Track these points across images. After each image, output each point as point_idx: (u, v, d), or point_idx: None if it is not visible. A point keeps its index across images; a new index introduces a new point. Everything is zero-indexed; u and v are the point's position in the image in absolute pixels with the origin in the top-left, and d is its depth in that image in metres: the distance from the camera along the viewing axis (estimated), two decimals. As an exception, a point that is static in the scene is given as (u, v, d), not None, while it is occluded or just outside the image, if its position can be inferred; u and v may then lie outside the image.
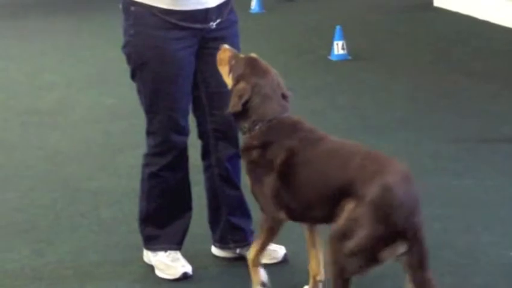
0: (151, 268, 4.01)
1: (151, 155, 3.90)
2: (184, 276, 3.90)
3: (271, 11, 11.64)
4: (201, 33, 3.77)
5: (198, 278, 3.93)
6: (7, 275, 4.07)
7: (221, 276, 3.99)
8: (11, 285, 3.98)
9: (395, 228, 3.19)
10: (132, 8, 3.73)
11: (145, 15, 3.70)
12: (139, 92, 3.86)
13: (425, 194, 4.75)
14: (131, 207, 4.73)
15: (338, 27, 8.39)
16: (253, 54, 3.60)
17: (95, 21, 11.28)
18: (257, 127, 3.46)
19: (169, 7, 3.68)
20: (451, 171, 5.18)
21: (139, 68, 3.76)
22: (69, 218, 4.70)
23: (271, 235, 3.53)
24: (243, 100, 3.43)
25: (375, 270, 3.42)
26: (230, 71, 3.55)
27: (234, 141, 3.80)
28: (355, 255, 3.20)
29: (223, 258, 4.11)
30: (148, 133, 3.89)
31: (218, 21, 3.79)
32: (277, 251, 3.98)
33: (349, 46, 8.43)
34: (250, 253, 3.60)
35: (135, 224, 4.08)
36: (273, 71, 3.55)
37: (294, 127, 3.44)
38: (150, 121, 3.85)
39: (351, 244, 3.19)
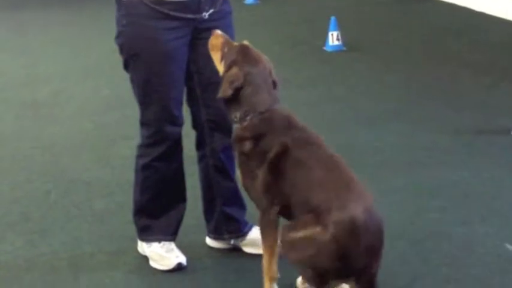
0: (145, 259, 4.00)
1: (145, 145, 3.88)
2: (179, 267, 3.89)
3: (266, 2, 11.62)
4: (194, 24, 3.73)
5: (192, 269, 3.92)
6: (0, 266, 4.05)
7: (215, 267, 3.97)
8: (4, 277, 3.96)
9: (351, 269, 3.19)
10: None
11: (137, 5, 3.66)
12: (132, 82, 3.84)
13: (421, 186, 4.80)
14: (125, 198, 4.72)
15: (333, 18, 8.37)
16: (246, 42, 3.57)
17: (90, 13, 11.25)
18: (248, 117, 3.42)
19: None
20: (447, 163, 5.17)
21: (132, 58, 3.74)
22: (63, 209, 4.68)
23: (273, 234, 3.44)
24: (234, 85, 3.40)
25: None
26: (222, 57, 3.53)
27: (229, 132, 3.74)
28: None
29: (218, 249, 4.10)
30: (142, 124, 3.86)
31: (211, 11, 3.75)
32: None
33: (344, 37, 8.41)
34: (264, 265, 3.50)
35: (129, 215, 4.06)
36: (265, 58, 3.52)
37: (287, 122, 3.41)
38: (143, 112, 3.83)
39: (301, 257, 3.22)
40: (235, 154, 3.53)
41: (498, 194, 4.67)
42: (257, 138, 3.40)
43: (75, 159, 5.53)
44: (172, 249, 3.93)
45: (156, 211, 3.94)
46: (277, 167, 3.34)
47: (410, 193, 4.72)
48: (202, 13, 3.72)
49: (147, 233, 3.96)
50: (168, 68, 3.73)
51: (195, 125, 3.97)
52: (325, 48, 8.38)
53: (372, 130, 5.83)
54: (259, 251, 3.68)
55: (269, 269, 3.47)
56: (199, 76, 3.84)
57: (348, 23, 9.07)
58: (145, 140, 3.87)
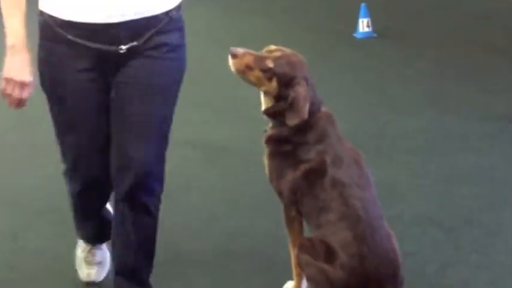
0: (172, 248, 4.00)
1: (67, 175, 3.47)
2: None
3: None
4: (109, 58, 3.04)
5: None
6: (30, 254, 4.07)
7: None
8: (33, 265, 3.97)
9: None
10: (40, 18, 3.11)
11: (44, 27, 3.08)
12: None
13: (452, 173, 4.78)
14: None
15: (363, 5, 8.32)
16: (273, 47, 3.35)
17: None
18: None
19: (65, 18, 3.00)
20: (478, 150, 5.14)
21: (40, 83, 3.21)
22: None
23: (297, 228, 3.39)
24: (308, 106, 3.21)
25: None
26: (267, 75, 3.24)
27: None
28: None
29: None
30: (61, 155, 3.40)
31: (132, 44, 3.02)
32: None
33: (375, 23, 8.35)
34: (292, 260, 3.45)
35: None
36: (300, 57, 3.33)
37: (326, 129, 3.28)
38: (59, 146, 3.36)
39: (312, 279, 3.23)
40: (268, 149, 3.39)
41: (527, 181, 4.64)
42: (297, 143, 3.28)
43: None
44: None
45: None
46: (308, 179, 3.27)
47: (442, 179, 4.70)
48: (118, 45, 3.01)
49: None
50: (70, 104, 3.16)
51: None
52: (355, 35, 8.33)
53: (403, 116, 5.80)
54: None
55: (296, 266, 3.42)
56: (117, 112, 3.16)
57: (378, 9, 8.99)
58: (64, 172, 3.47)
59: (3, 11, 3.02)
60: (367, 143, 5.15)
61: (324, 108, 3.35)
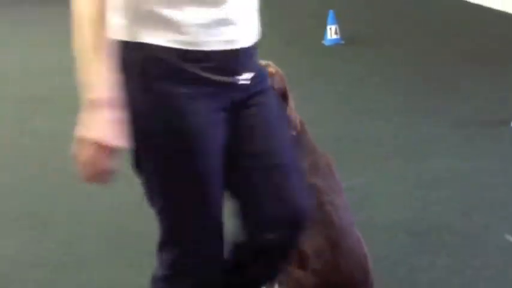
0: (149, 252, 4.00)
1: (169, 277, 2.61)
2: None
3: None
4: (237, 91, 2.47)
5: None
6: (6, 261, 4.07)
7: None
8: (9, 271, 3.97)
9: None
10: (137, 53, 2.33)
11: (154, 62, 2.33)
12: (147, 183, 2.54)
13: (423, 178, 4.82)
14: (128, 191, 4.73)
15: (331, 12, 8.38)
16: (264, 62, 3.16)
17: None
18: None
19: (201, 48, 2.35)
20: (449, 155, 5.19)
21: (145, 145, 2.42)
22: (66, 205, 4.70)
23: None
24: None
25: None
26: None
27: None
28: None
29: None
30: (165, 245, 2.58)
31: (252, 75, 2.51)
32: None
33: (343, 31, 8.42)
34: None
35: (133, 209, 4.04)
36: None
37: (300, 136, 3.26)
38: (170, 225, 2.54)
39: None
40: None
41: (500, 185, 4.69)
42: None
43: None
44: None
45: None
46: None
47: (412, 185, 4.74)
48: (241, 75, 2.47)
49: None
50: (200, 157, 2.39)
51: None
52: (323, 42, 8.39)
53: (374, 122, 5.85)
54: None
55: None
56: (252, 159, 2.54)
57: (346, 16, 9.07)
58: (169, 269, 2.59)
59: (83, 55, 2.25)
60: (339, 149, 5.20)
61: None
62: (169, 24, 2.28)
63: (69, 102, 6.74)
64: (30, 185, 5.03)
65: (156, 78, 2.31)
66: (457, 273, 3.73)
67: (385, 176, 4.87)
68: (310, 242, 3.19)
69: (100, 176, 2.31)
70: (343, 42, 8.37)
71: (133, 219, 4.29)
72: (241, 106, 2.48)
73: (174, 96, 2.32)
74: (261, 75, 2.57)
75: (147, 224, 4.25)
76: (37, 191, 4.92)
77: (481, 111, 5.99)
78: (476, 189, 4.65)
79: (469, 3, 10.12)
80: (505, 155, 5.15)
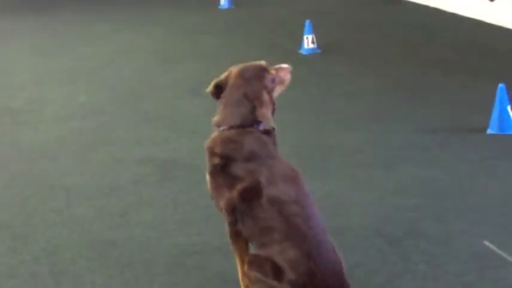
0: (126, 264, 4.02)
1: None
2: None
3: (240, 7, 11.64)
4: None
5: (174, 272, 3.94)
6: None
7: (197, 269, 3.99)
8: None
9: None
10: None
11: None
12: None
13: (396, 185, 4.86)
14: (105, 203, 4.75)
15: (307, 21, 8.44)
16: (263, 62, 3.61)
17: (64, 19, 11.23)
18: (221, 128, 3.40)
19: None
20: (421, 162, 5.23)
21: None
22: (43, 215, 4.68)
23: (240, 243, 3.42)
24: (215, 83, 3.44)
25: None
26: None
27: None
28: None
29: (199, 252, 4.12)
30: None
31: None
32: None
33: (319, 40, 8.47)
34: (238, 273, 3.46)
35: (109, 220, 4.05)
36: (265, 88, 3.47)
37: (260, 147, 3.34)
38: None
39: None
40: (207, 161, 3.43)
41: (472, 191, 4.73)
42: (226, 158, 3.34)
43: (54, 165, 5.53)
44: None
45: None
46: (247, 199, 3.29)
47: (388, 191, 4.77)
48: None
49: None
50: None
51: None
52: (300, 51, 8.43)
53: (349, 131, 5.89)
54: None
55: (243, 278, 3.43)
56: None
57: (322, 26, 9.12)
58: None
59: None
60: (314, 157, 5.23)
61: (259, 127, 3.40)
62: None
63: (46, 114, 6.78)
64: (5, 197, 5.02)
65: None
66: (433, 279, 3.75)
67: (359, 183, 4.90)
68: (284, 255, 3.21)
69: None
70: (319, 51, 8.42)
71: (109, 229, 4.29)
72: None
73: None
74: None
75: (128, 235, 4.32)
76: (12, 203, 4.91)
77: (455, 118, 6.04)
78: (450, 196, 4.68)
79: (445, 12, 10.20)
80: (479, 161, 5.19)
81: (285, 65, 3.60)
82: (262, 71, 3.50)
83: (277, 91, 3.50)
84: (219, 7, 11.52)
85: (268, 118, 3.38)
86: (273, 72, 3.53)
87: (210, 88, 3.47)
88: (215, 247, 4.13)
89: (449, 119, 6.05)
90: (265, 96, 3.44)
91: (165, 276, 3.91)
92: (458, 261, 3.91)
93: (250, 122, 3.39)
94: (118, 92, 7.18)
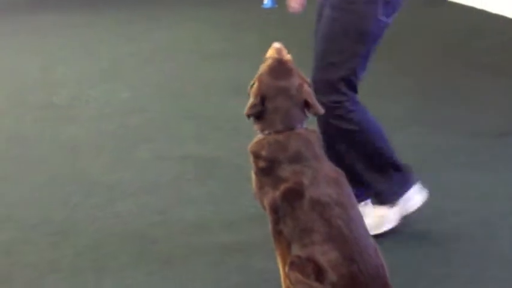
0: (167, 261, 4.03)
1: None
2: None
3: (284, 5, 11.58)
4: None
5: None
6: (25, 267, 4.09)
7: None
8: (29, 277, 4.00)
9: None
10: None
11: None
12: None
13: (441, 188, 4.81)
14: (147, 199, 4.77)
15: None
16: (278, 44, 3.63)
17: (108, 16, 11.28)
18: (266, 132, 3.41)
19: None
20: (466, 166, 5.17)
21: None
22: (85, 211, 4.71)
23: (283, 243, 3.40)
24: (253, 107, 3.40)
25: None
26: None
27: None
28: None
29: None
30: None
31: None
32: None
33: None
34: (281, 273, 3.45)
35: (150, 217, 4.07)
36: (297, 73, 3.47)
37: (305, 149, 3.35)
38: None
39: None
40: (252, 163, 3.46)
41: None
42: (272, 162, 3.35)
43: (96, 161, 5.56)
44: None
45: None
46: (287, 201, 3.31)
47: (431, 195, 4.72)
48: None
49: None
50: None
51: None
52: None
53: (391, 133, 5.82)
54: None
55: (284, 279, 3.42)
56: None
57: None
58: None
59: None
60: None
61: (301, 128, 3.40)
62: None
63: (89, 110, 6.82)
64: (48, 193, 5.05)
65: None
66: (478, 283, 3.72)
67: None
68: (325, 257, 3.19)
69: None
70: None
71: (151, 226, 4.29)
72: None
73: None
74: None
75: (169, 232, 4.34)
76: (54, 198, 4.94)
77: (501, 122, 5.97)
78: (495, 200, 4.63)
79: (488, 12, 10.09)
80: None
81: (277, 44, 3.64)
82: (284, 64, 3.50)
83: None
84: (262, 6, 11.50)
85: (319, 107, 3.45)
86: (289, 57, 3.56)
87: (252, 109, 3.44)
88: (257, 246, 4.12)
89: (494, 122, 5.97)
90: (305, 87, 3.45)
91: (205, 274, 3.92)
92: (502, 266, 3.88)
93: (294, 123, 3.39)
94: (160, 89, 7.20)
